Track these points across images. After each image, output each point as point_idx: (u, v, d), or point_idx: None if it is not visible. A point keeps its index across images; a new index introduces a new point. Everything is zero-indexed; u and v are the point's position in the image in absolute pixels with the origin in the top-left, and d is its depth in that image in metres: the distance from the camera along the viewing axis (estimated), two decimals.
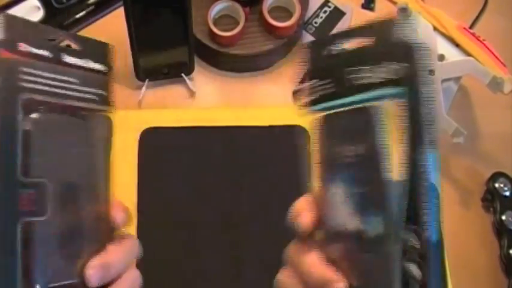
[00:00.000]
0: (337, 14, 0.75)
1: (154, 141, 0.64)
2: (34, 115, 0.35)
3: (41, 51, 0.35)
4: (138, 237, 0.47)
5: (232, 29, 0.67)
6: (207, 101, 0.68)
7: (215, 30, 0.67)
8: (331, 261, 0.37)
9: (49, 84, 0.35)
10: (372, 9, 0.76)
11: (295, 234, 0.39)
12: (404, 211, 0.34)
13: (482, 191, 0.65)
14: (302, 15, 0.69)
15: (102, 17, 0.73)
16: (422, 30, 0.62)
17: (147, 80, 0.67)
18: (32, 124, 0.34)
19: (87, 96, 0.38)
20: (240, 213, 0.61)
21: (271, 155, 0.64)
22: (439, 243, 0.38)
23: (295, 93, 0.69)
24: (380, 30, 0.36)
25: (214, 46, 0.68)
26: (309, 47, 0.39)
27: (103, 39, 0.41)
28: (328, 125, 0.38)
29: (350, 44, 0.37)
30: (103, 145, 0.41)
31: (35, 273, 0.34)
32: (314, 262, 0.38)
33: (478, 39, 0.63)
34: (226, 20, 0.70)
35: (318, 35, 0.73)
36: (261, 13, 0.69)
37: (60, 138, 0.36)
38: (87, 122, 0.39)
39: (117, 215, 0.39)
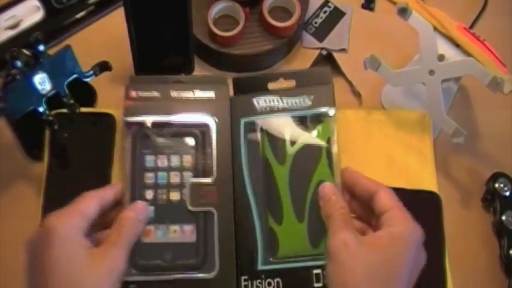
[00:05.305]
0: (337, 14, 0.75)
1: None
2: None
3: None
4: None
5: (232, 29, 0.67)
6: None
7: (215, 30, 0.67)
8: None
9: None
10: (371, 9, 0.76)
11: None
12: None
13: (482, 191, 0.64)
14: (302, 15, 0.69)
15: (102, 17, 0.73)
16: (422, 30, 0.62)
17: None
18: None
19: None
20: None
21: None
22: None
23: None
24: None
25: (214, 46, 0.68)
26: None
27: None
28: None
29: None
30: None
31: None
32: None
33: (478, 40, 0.63)
34: (226, 20, 0.70)
35: (318, 35, 0.73)
36: (261, 13, 0.69)
37: None
38: None
39: None
